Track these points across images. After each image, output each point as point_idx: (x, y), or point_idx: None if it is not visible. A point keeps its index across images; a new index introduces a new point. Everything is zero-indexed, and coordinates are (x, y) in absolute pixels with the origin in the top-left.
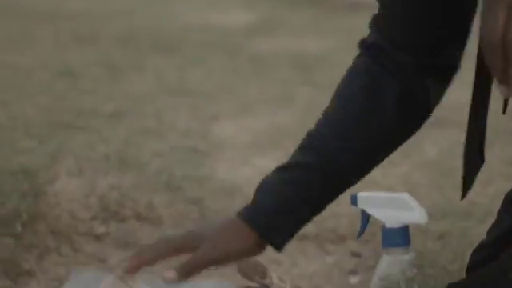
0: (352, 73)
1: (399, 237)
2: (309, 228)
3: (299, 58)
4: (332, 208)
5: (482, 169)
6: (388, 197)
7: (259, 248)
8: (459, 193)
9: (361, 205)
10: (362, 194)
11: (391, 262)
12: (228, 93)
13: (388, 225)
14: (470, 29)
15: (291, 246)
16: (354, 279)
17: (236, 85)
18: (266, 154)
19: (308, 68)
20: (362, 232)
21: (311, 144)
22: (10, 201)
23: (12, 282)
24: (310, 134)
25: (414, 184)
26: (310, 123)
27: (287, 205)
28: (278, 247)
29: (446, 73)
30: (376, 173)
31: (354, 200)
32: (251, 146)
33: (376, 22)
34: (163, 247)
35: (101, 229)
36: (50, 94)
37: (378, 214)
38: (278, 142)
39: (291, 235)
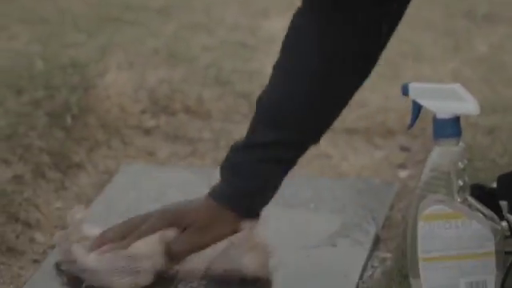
0: (301, 31)
1: (450, 127)
2: (358, 122)
3: None
4: (381, 102)
5: None
6: (440, 87)
7: (240, 226)
8: (510, 88)
9: (412, 95)
10: (413, 85)
11: (442, 153)
12: None
13: (439, 115)
14: None
15: (341, 140)
16: (403, 173)
17: None
18: None
19: None
20: (412, 124)
21: (272, 118)
22: (60, 94)
23: (62, 174)
24: (267, 103)
25: (464, 78)
26: None
27: (266, 185)
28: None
29: (398, 17)
30: (425, 68)
31: (405, 90)
32: None
33: None
34: (147, 230)
35: (150, 122)
36: None
37: (430, 104)
38: None
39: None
